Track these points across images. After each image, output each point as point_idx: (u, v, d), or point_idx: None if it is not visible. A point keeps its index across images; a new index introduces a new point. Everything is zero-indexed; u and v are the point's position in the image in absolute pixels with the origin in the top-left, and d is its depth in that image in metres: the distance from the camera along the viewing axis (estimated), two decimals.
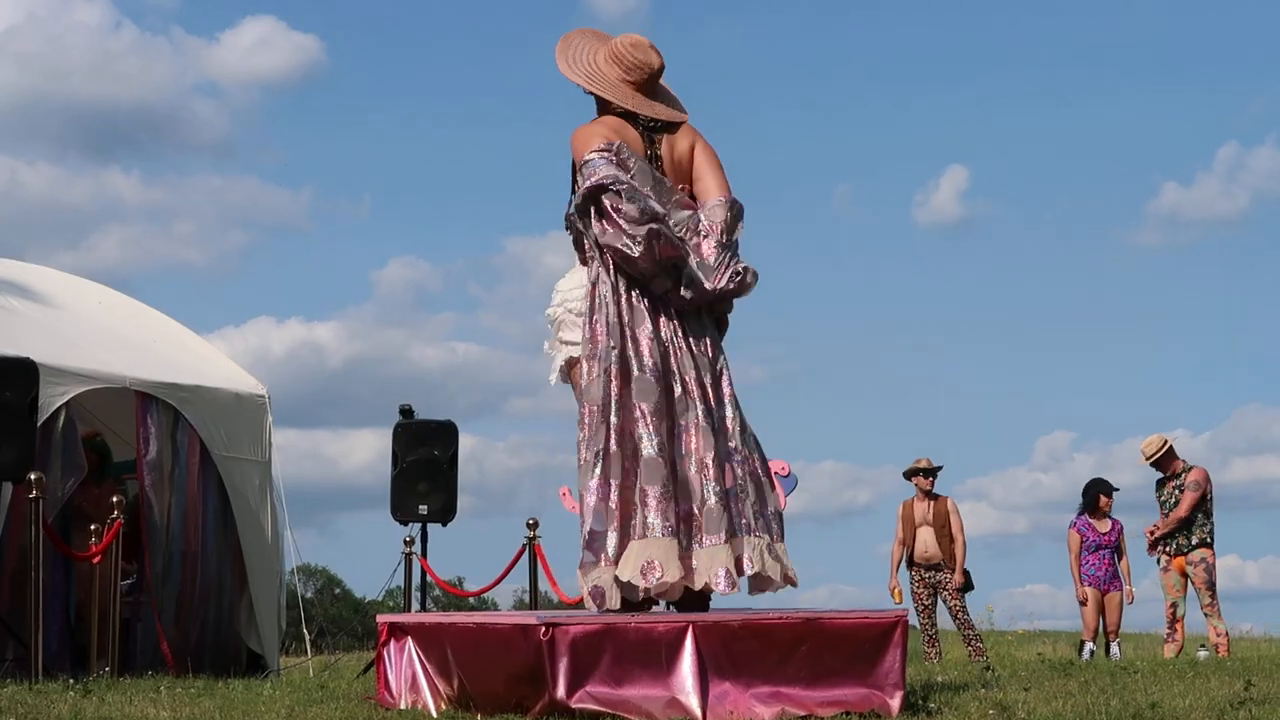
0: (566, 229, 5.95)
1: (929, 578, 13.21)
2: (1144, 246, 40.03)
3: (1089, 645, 13.07)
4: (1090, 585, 13.12)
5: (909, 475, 13.47)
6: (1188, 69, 39.13)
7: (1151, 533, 12.34)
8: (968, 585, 13.27)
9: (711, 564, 5.61)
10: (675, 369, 5.74)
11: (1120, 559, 13.30)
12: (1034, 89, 39.64)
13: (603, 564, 5.58)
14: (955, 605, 13.21)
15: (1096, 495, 13.29)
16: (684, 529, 5.63)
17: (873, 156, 40.06)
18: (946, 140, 40.56)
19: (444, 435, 11.82)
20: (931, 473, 13.40)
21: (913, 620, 14.18)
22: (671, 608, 5.77)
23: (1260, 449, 41.28)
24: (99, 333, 11.79)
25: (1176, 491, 12.27)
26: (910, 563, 13.30)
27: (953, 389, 38.51)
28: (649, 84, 6.04)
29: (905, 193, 42.11)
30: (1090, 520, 13.22)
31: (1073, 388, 38.76)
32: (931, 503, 13.28)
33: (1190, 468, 12.36)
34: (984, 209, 41.51)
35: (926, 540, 13.19)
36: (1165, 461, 12.39)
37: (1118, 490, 13.42)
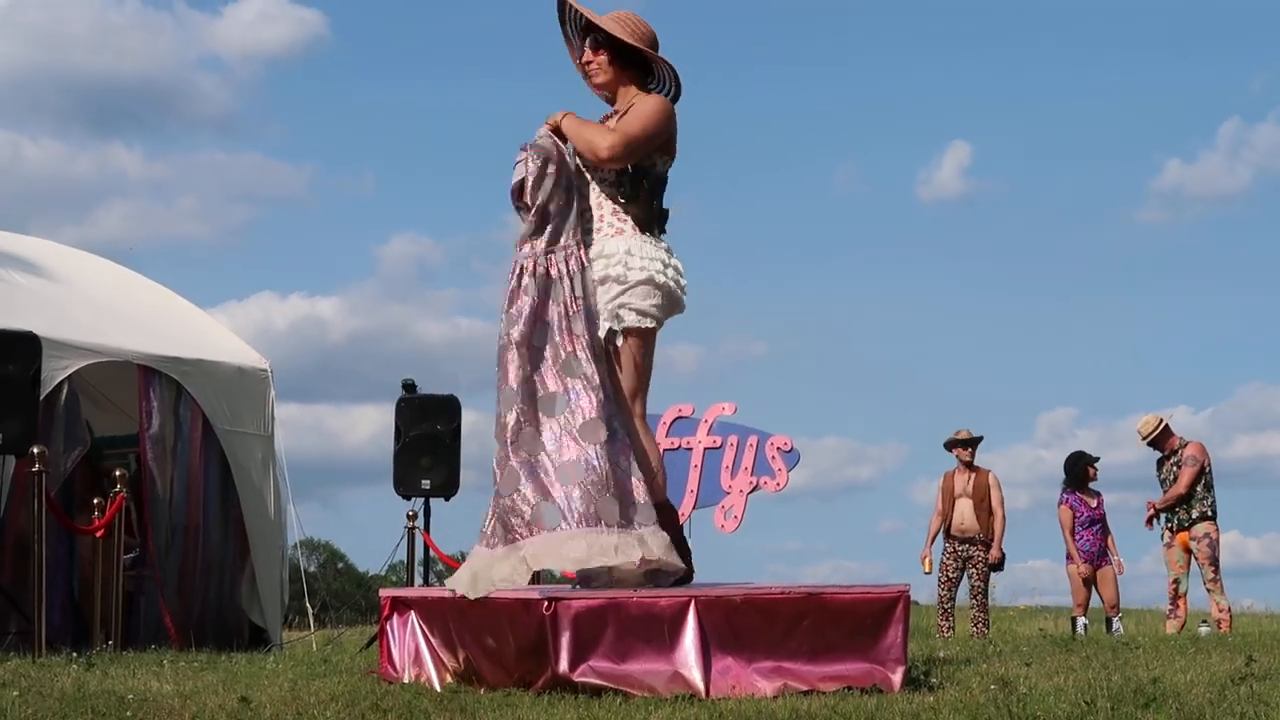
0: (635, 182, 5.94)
1: (962, 550, 13.14)
2: (1147, 223, 40.09)
3: (1082, 620, 13.09)
4: (1084, 561, 13.14)
5: (949, 446, 13.41)
6: (1191, 45, 39.12)
7: (1152, 505, 12.36)
8: (1000, 564, 13.22)
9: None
10: None
11: (1107, 532, 13.33)
12: (1037, 66, 39.63)
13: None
14: (978, 582, 13.15)
15: (1085, 468, 13.30)
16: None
17: (876, 133, 40.09)
18: (949, 117, 40.56)
19: (447, 410, 11.82)
20: (971, 443, 13.33)
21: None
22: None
23: (1262, 426, 41.37)
24: (101, 307, 11.79)
25: (1175, 468, 12.27)
26: (946, 534, 13.25)
27: (955, 365, 38.54)
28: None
29: (908, 169, 42.14)
30: (1080, 495, 13.24)
31: (1075, 364, 38.82)
32: (972, 475, 13.22)
33: (1186, 443, 12.36)
34: (987, 186, 41.54)
35: (964, 512, 13.13)
36: (1161, 440, 12.40)
37: (1098, 460, 13.44)
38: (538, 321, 5.79)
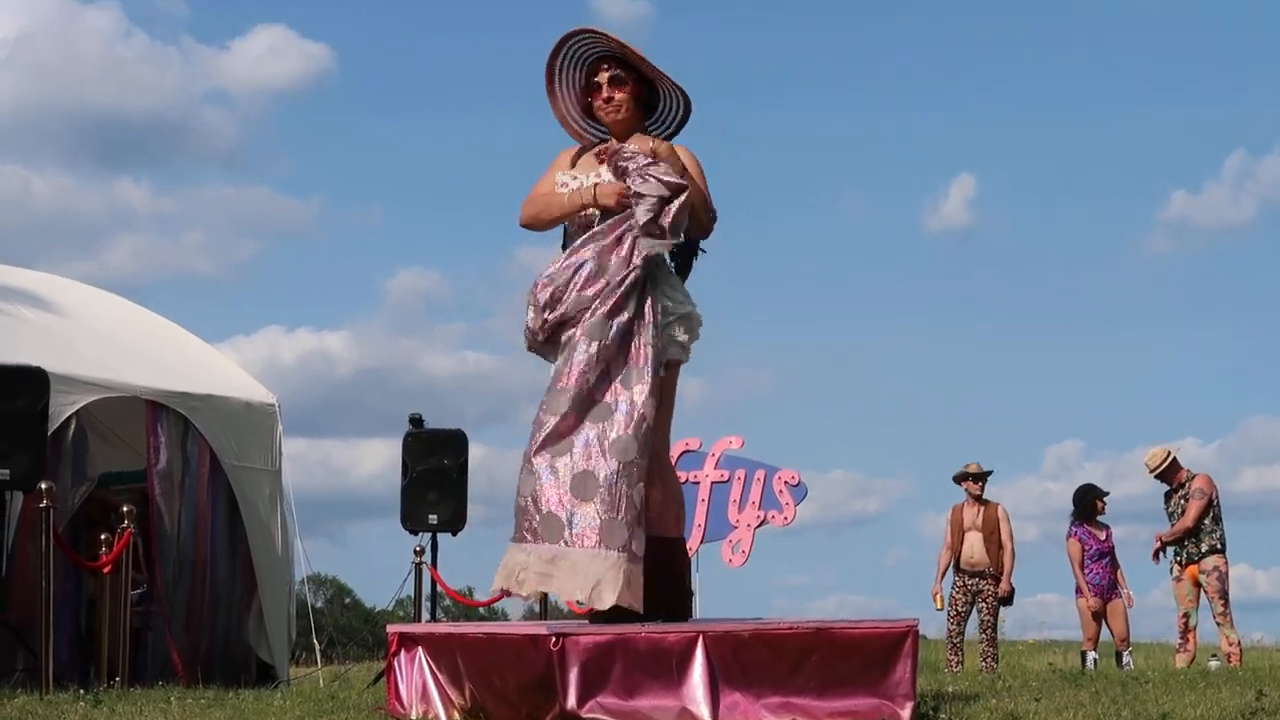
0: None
1: (971, 585, 13.11)
2: (1153, 254, 40.05)
3: (1091, 655, 13.05)
4: (1094, 594, 13.11)
5: (959, 480, 13.39)
6: (1196, 77, 39.20)
7: (1160, 539, 12.33)
8: (1009, 598, 13.19)
9: None
10: None
11: (1116, 565, 13.29)
12: (1043, 97, 39.69)
13: None
14: (988, 616, 13.11)
15: (1093, 501, 13.27)
16: None
17: (882, 164, 40.12)
18: (955, 148, 40.60)
19: (454, 444, 11.82)
20: (980, 478, 13.31)
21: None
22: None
23: (1270, 458, 41.29)
24: (109, 342, 11.80)
25: (1183, 501, 12.25)
26: (956, 568, 13.22)
27: (962, 397, 38.53)
28: None
29: (914, 200, 42.17)
30: (1089, 528, 13.21)
31: (1082, 396, 38.77)
32: (982, 508, 13.19)
33: (1194, 476, 12.34)
34: (993, 217, 41.55)
35: (973, 546, 13.10)
36: (1169, 473, 12.38)
37: (1107, 494, 13.42)
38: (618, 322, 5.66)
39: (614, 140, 5.88)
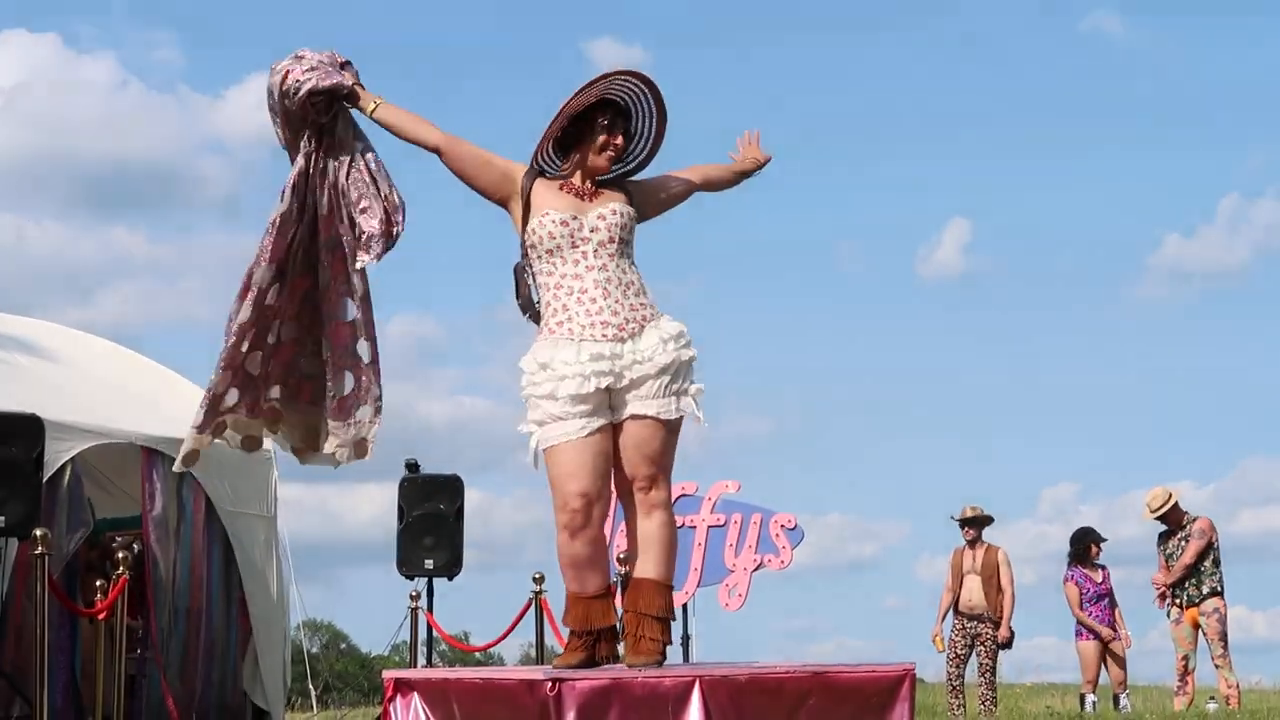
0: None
1: (970, 628, 13.10)
2: (1146, 299, 40.14)
3: (1091, 697, 13.02)
4: (1094, 637, 13.08)
5: (962, 524, 13.40)
6: (1188, 121, 39.32)
7: (1160, 585, 12.31)
8: (1009, 643, 13.17)
9: None
10: None
11: (1115, 605, 13.28)
12: (1035, 142, 39.83)
13: None
14: (986, 660, 13.09)
15: (1088, 545, 13.26)
16: None
17: (875, 211, 40.20)
18: (949, 194, 40.72)
19: (450, 489, 11.81)
20: (973, 523, 13.30)
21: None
22: None
23: (1267, 500, 41.29)
24: (105, 389, 11.81)
25: (1182, 543, 12.25)
26: (955, 611, 13.21)
27: (957, 441, 38.50)
28: None
29: (908, 246, 42.24)
30: (1085, 571, 13.20)
31: (1077, 440, 38.75)
32: (981, 552, 13.19)
33: (1195, 518, 12.34)
34: (987, 262, 41.62)
35: (972, 589, 13.09)
36: (1171, 514, 12.37)
37: (1105, 541, 13.41)
38: None
39: (576, 179, 5.72)
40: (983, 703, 13.00)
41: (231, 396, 6.03)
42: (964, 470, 36.35)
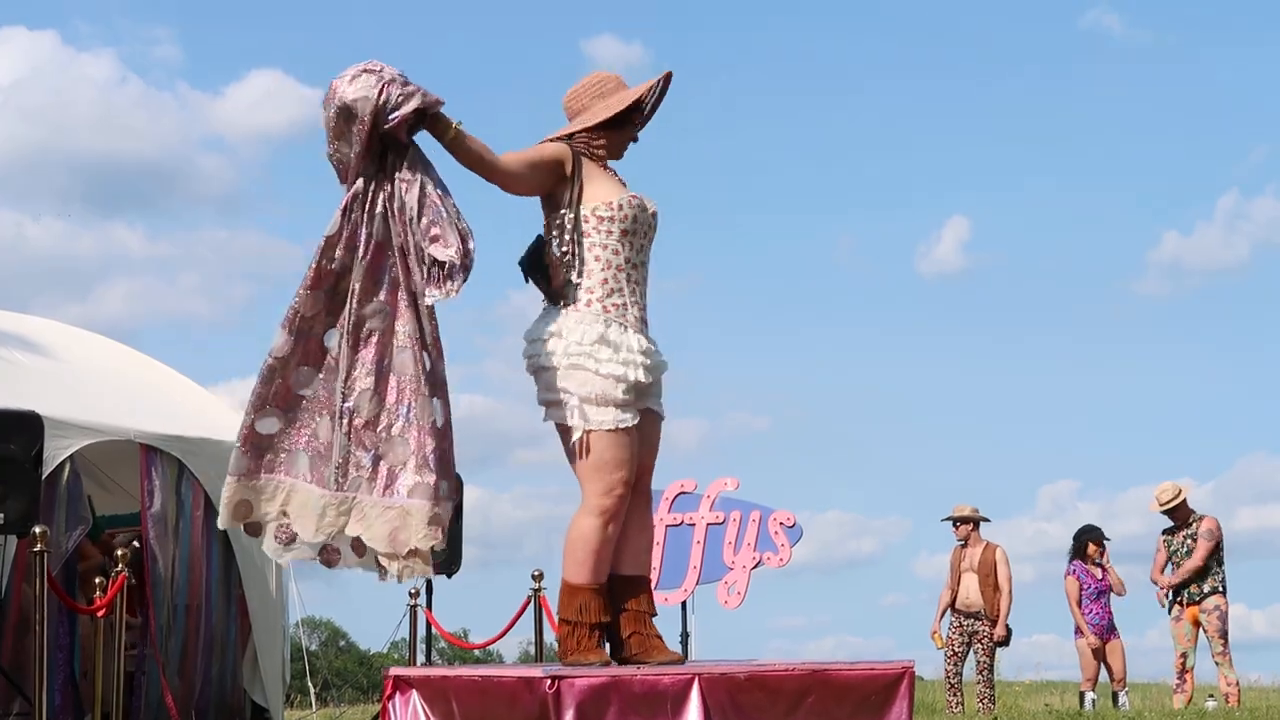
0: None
1: (966, 625, 13.11)
2: (1146, 295, 40.17)
3: (1090, 695, 13.02)
4: (1093, 633, 13.09)
5: (953, 523, 13.41)
6: (1188, 118, 39.33)
7: (1165, 586, 12.30)
8: (1005, 641, 13.17)
9: None
10: None
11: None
12: (1035, 139, 39.84)
13: None
14: (984, 658, 13.10)
15: (1086, 542, 13.27)
16: None
17: (875, 207, 40.23)
18: (948, 191, 40.74)
19: None
20: (964, 522, 13.31)
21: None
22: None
23: (1265, 498, 41.35)
24: (103, 386, 11.80)
25: (1189, 540, 12.24)
26: (953, 609, 13.23)
27: (956, 438, 38.52)
28: None
29: (908, 243, 42.27)
30: (1086, 566, 13.20)
31: (1076, 437, 38.79)
32: (979, 550, 13.20)
33: (1201, 517, 12.33)
34: (986, 259, 41.65)
35: (969, 587, 13.11)
36: (1178, 510, 12.36)
37: (1109, 541, 13.40)
38: None
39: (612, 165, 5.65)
40: (981, 700, 13.00)
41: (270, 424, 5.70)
42: (963, 467, 36.41)
